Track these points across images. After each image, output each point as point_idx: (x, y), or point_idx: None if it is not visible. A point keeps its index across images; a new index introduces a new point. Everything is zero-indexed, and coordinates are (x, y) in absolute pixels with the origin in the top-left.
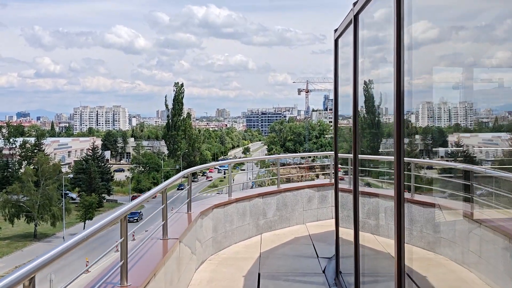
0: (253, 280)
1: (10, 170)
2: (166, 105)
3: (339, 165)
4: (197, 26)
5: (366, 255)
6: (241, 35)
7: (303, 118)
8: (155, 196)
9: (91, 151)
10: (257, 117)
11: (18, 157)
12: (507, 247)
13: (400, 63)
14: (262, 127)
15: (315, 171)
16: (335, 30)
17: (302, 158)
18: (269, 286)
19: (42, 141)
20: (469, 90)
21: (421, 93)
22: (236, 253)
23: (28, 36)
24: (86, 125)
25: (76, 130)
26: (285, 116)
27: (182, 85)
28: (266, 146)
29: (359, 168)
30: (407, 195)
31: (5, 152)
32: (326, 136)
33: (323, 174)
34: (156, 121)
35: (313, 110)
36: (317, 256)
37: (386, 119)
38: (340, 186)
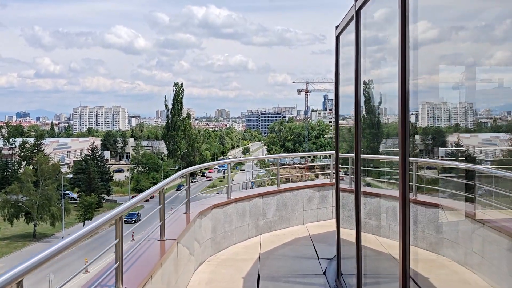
0: (252, 282)
1: (10, 170)
2: (166, 105)
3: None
4: (197, 26)
5: (368, 256)
6: (241, 35)
7: (303, 118)
8: (153, 196)
9: (90, 151)
10: (257, 117)
11: (18, 157)
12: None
13: (405, 61)
14: (261, 127)
15: (315, 171)
16: (336, 27)
17: (301, 158)
18: (269, 287)
19: (41, 141)
20: (472, 90)
21: (421, 93)
22: (236, 254)
23: (28, 36)
24: (85, 125)
25: (76, 130)
26: (284, 116)
27: (181, 85)
28: (265, 146)
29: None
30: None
31: (5, 152)
32: (326, 136)
33: (322, 174)
34: (155, 121)
35: (312, 110)
36: (318, 257)
37: (386, 119)
38: (341, 186)
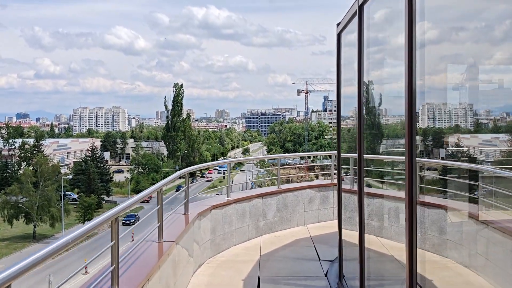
0: (252, 284)
1: (9, 171)
2: (166, 106)
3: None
4: (197, 27)
5: (372, 258)
6: (241, 36)
7: (303, 119)
8: (151, 197)
9: (90, 152)
10: (257, 118)
11: (17, 158)
12: None
13: (412, 59)
14: (261, 128)
15: (315, 172)
16: (338, 24)
17: (301, 158)
18: None
19: (41, 142)
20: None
21: (422, 94)
22: (235, 255)
23: (28, 37)
24: (85, 126)
25: (76, 131)
26: (284, 117)
27: (181, 86)
28: (265, 147)
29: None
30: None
31: (4, 153)
32: (326, 137)
33: (322, 175)
34: (155, 122)
35: (312, 111)
36: (319, 259)
37: (389, 119)
38: (342, 186)
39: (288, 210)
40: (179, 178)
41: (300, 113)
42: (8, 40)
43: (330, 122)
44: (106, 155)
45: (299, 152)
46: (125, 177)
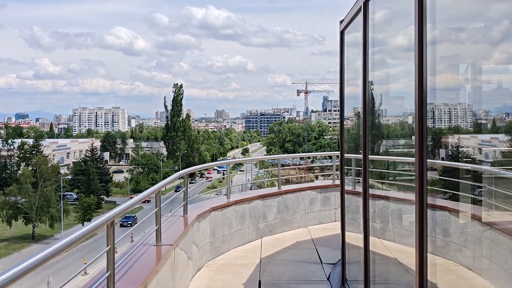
0: None
1: (8, 171)
2: (165, 106)
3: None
4: (196, 27)
5: (377, 262)
6: (240, 36)
7: (302, 119)
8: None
9: (90, 152)
10: (256, 118)
11: (17, 158)
12: None
13: (423, 57)
14: (261, 128)
15: (314, 172)
16: (341, 21)
17: (301, 159)
18: None
19: (40, 142)
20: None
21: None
22: (235, 258)
23: (27, 37)
24: (85, 127)
25: (75, 131)
26: (284, 117)
27: (181, 86)
28: (265, 147)
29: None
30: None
31: (3, 153)
32: (326, 137)
33: (322, 175)
34: (155, 122)
35: (312, 111)
36: (321, 262)
37: (393, 118)
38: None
39: (288, 211)
40: (178, 178)
41: (299, 113)
42: (7, 40)
43: (330, 122)
44: (106, 155)
45: (298, 152)
46: (124, 177)
